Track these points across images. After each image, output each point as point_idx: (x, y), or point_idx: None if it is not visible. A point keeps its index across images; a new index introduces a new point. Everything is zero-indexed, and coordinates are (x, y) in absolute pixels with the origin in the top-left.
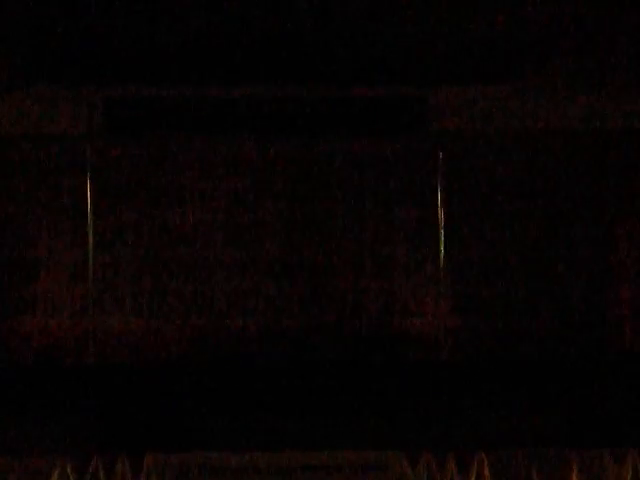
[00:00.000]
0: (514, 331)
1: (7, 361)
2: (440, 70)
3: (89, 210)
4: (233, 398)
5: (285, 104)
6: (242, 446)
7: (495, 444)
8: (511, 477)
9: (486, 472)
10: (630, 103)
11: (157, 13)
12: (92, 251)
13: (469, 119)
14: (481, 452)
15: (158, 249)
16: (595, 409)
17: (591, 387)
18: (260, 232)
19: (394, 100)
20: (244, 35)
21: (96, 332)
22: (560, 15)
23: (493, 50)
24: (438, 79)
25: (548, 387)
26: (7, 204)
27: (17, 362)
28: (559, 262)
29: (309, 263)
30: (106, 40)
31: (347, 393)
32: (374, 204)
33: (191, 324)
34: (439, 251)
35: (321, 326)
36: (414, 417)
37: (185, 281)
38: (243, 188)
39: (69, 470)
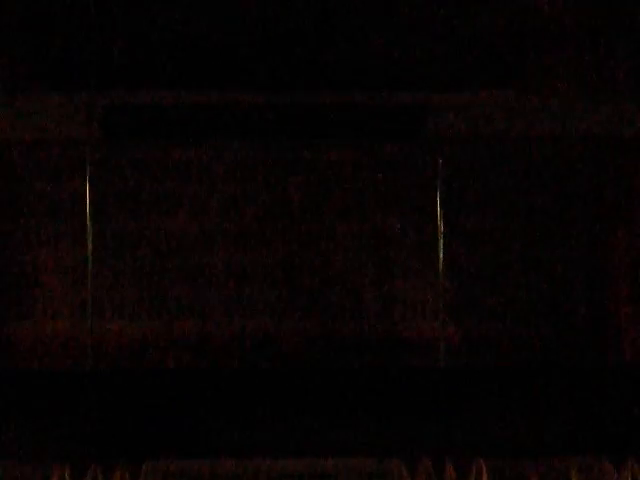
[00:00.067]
0: (513, 338)
1: (3, 366)
2: (440, 75)
3: (88, 215)
4: (233, 405)
5: (283, 110)
6: (242, 453)
7: (494, 451)
8: None
9: (485, 479)
10: (632, 109)
11: (157, 19)
12: (91, 256)
13: (469, 124)
14: (480, 459)
15: (157, 255)
16: (594, 417)
17: (590, 395)
18: (259, 238)
19: (393, 105)
20: (243, 41)
21: (95, 338)
22: (562, 20)
23: (494, 55)
24: (438, 84)
25: (547, 394)
26: (5, 209)
27: (14, 367)
28: (559, 270)
29: (307, 269)
30: (105, 46)
31: (345, 400)
32: (373, 209)
33: (191, 330)
34: (438, 257)
35: (318, 332)
36: (412, 424)
37: (184, 287)
38: (242, 194)
39: (67, 477)
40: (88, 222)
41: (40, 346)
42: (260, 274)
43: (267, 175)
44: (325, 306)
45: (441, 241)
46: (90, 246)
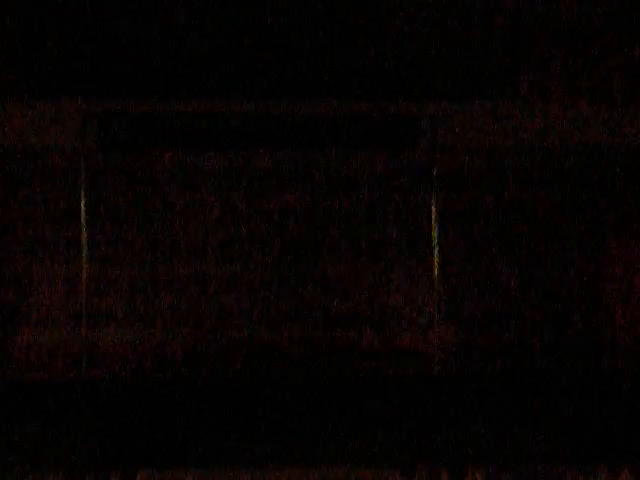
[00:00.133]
0: (508, 346)
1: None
2: (435, 85)
3: (82, 224)
4: (228, 414)
5: (278, 119)
6: (236, 462)
7: (489, 459)
8: None
9: None
10: (627, 119)
11: (153, 27)
12: (86, 264)
13: (464, 135)
14: (475, 467)
15: (152, 263)
16: (590, 425)
17: (586, 403)
18: (254, 247)
19: (388, 115)
20: (239, 50)
21: (89, 346)
22: (558, 30)
23: (488, 65)
24: (433, 94)
25: (542, 402)
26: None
27: (8, 376)
28: (554, 278)
29: (302, 277)
30: (101, 54)
31: (339, 408)
32: (368, 219)
33: (185, 339)
34: (433, 266)
35: (313, 341)
36: (408, 432)
37: (179, 295)
38: (237, 203)
39: None
40: (82, 231)
41: (34, 355)
42: (253, 284)
43: (261, 184)
44: (320, 316)
45: (436, 251)
46: (84, 255)
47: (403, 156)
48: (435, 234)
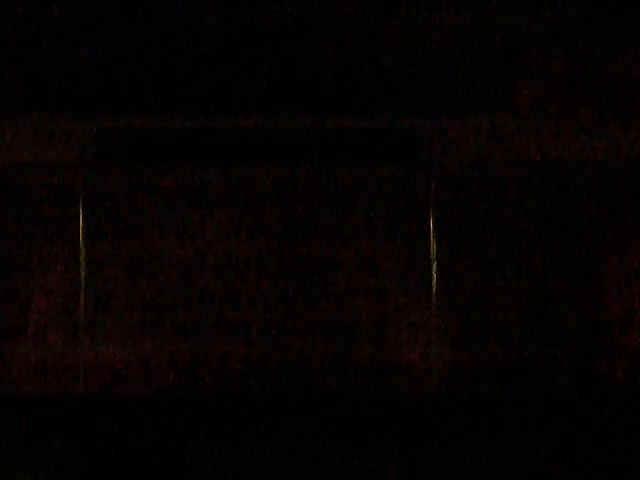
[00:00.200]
0: (506, 364)
1: None
2: (432, 100)
3: (81, 238)
4: (226, 429)
5: (274, 135)
6: (233, 477)
7: (487, 476)
8: None
9: None
10: (622, 134)
11: (152, 43)
12: (84, 279)
13: (461, 150)
14: None
15: (150, 278)
16: (590, 443)
17: (585, 420)
18: (252, 262)
19: (385, 130)
20: (236, 67)
21: (87, 362)
22: (555, 46)
23: (486, 80)
24: (430, 109)
25: (540, 420)
26: None
27: (5, 390)
28: (552, 294)
29: (299, 293)
30: (100, 70)
31: (337, 425)
32: (364, 234)
33: (184, 354)
34: (431, 281)
35: (310, 357)
36: (404, 450)
37: (177, 311)
38: (235, 218)
39: None
40: (81, 245)
41: (32, 369)
42: (254, 298)
43: (261, 199)
44: (319, 330)
45: (434, 265)
46: (83, 269)
47: (401, 171)
48: (433, 248)
